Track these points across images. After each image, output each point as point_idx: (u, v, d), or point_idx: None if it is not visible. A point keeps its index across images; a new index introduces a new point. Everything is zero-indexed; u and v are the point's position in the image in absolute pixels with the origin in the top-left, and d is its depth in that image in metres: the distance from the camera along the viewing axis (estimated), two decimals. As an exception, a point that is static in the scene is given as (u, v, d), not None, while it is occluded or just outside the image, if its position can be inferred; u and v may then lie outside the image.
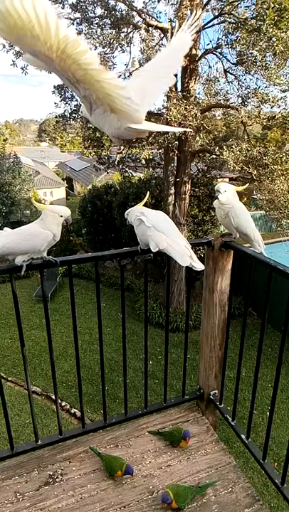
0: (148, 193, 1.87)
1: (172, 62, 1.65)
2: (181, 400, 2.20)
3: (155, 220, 1.64)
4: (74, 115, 8.70)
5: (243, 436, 1.91)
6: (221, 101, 8.36)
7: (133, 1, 7.62)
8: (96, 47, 7.96)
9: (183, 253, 1.55)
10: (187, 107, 7.35)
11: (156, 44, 8.74)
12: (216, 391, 2.17)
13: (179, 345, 7.99)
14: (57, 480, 1.76)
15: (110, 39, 7.84)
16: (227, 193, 1.76)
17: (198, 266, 1.56)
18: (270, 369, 7.03)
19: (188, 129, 7.22)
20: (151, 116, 9.22)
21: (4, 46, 7.61)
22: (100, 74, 1.15)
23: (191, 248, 1.59)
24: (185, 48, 1.72)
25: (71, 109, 8.80)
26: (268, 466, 1.76)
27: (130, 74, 8.73)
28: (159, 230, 1.60)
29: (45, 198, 22.94)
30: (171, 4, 7.80)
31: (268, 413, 6.11)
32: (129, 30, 7.95)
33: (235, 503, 1.67)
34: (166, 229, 1.62)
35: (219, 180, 10.96)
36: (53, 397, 6.55)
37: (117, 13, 7.60)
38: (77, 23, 7.85)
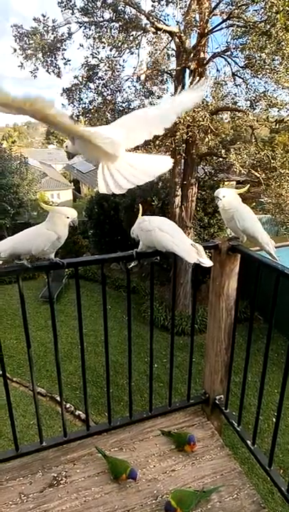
0: (140, 206, 1.91)
1: (170, 117, 1.57)
2: (186, 404, 2.19)
3: (158, 222, 1.66)
4: (82, 117, 8.76)
5: (249, 442, 1.89)
6: (229, 104, 8.35)
7: (139, 3, 7.66)
8: (104, 47, 8.01)
9: (189, 250, 1.55)
10: (196, 109, 7.35)
11: (164, 47, 8.78)
12: (222, 396, 2.15)
13: (184, 348, 7.94)
14: (61, 482, 1.76)
15: (118, 42, 7.89)
16: (227, 198, 1.76)
17: (207, 262, 1.55)
18: (276, 374, 6.95)
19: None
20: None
21: (15, 50, 7.70)
22: (72, 128, 1.25)
23: None
24: (188, 106, 1.69)
25: (79, 111, 8.86)
26: (274, 472, 1.74)
27: (138, 77, 8.77)
28: (163, 230, 1.62)
29: (52, 200, 23.07)
30: (180, 8, 7.83)
31: (274, 419, 6.04)
32: (137, 34, 8.00)
33: (240, 510, 1.65)
34: (169, 230, 1.64)
35: (226, 183, 10.92)
36: (58, 398, 6.55)
37: (126, 15, 7.65)
38: (84, 27, 7.92)
